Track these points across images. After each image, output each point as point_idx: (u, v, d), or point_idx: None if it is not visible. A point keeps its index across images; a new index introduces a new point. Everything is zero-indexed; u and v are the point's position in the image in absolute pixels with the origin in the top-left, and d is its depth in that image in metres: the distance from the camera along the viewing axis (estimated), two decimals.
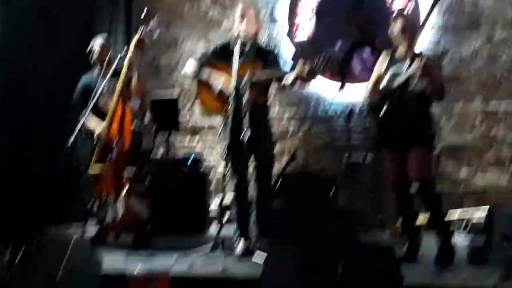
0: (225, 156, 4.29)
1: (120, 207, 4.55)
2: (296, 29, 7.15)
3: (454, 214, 5.59)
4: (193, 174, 6.07)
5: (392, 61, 4.56)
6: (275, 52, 4.79)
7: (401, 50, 4.53)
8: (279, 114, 7.02)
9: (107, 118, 4.70)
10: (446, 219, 4.52)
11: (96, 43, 5.15)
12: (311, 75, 4.32)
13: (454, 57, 6.49)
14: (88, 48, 5.17)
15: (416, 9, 6.61)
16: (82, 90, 5.10)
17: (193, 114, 7.41)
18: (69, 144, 4.29)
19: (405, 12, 6.28)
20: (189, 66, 4.63)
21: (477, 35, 6.55)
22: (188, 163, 6.11)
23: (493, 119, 6.47)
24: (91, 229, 4.85)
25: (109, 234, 4.76)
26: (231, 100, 4.12)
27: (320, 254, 3.24)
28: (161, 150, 6.70)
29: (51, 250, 3.38)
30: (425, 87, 4.32)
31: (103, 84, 4.80)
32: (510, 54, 6.43)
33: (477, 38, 6.55)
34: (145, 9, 4.99)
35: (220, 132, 4.49)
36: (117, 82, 4.75)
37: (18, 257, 3.35)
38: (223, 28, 7.40)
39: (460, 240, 4.75)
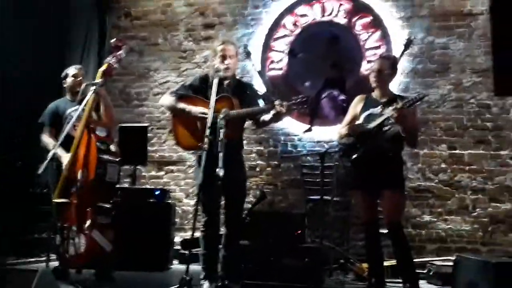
0: (197, 192, 4.13)
1: (83, 240, 4.32)
2: (270, 64, 7.12)
3: (421, 261, 5.50)
4: (159, 206, 5.90)
5: (367, 103, 4.52)
6: (253, 87, 4.69)
7: (376, 92, 4.50)
8: (247, 150, 6.90)
9: (73, 147, 4.50)
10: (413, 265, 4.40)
11: (69, 72, 5.08)
12: (287, 115, 4.23)
13: (422, 101, 6.46)
14: (62, 76, 5.10)
15: (389, 50, 6.67)
16: (50, 112, 5.04)
17: (162, 145, 7.26)
18: (39, 172, 4.06)
19: (383, 55, 6.25)
20: (166, 97, 4.50)
21: (445, 80, 6.61)
22: (155, 195, 5.94)
23: (458, 164, 6.48)
24: (53, 261, 4.60)
25: (71, 267, 4.51)
26: (206, 135, 3.96)
27: None
28: (127, 181, 6.52)
29: (15, 282, 3.17)
30: (399, 130, 4.28)
31: (71, 110, 4.65)
32: (478, 100, 6.48)
33: (445, 83, 6.61)
34: (115, 38, 4.93)
35: (197, 164, 4.33)
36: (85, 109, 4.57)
37: None
38: (196, 60, 7.34)
39: None
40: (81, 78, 5.03)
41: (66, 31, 6.97)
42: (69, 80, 5.05)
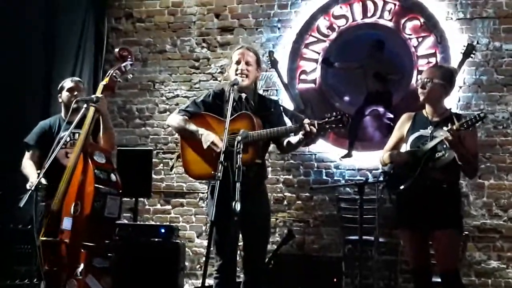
0: (209, 231, 4.20)
1: (74, 287, 4.42)
2: (300, 75, 7.24)
3: None
4: (165, 246, 5.99)
5: (416, 122, 4.57)
6: (278, 104, 4.77)
7: (428, 109, 4.54)
8: (273, 179, 7.03)
9: (65, 176, 4.61)
10: None
11: (65, 85, 5.17)
12: (319, 136, 4.28)
13: (487, 120, 6.51)
14: (58, 89, 5.21)
15: (446, 58, 6.74)
16: (40, 131, 5.13)
17: (169, 173, 7.37)
18: (21, 205, 4.18)
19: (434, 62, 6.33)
20: (174, 116, 4.59)
21: None
22: (160, 232, 6.04)
23: None
24: None
25: None
26: (220, 161, 4.02)
27: None
28: (127, 215, 6.63)
29: None
30: (454, 157, 4.31)
31: (65, 132, 4.74)
32: None
33: None
34: (119, 47, 5.05)
35: (210, 196, 4.41)
36: (81, 132, 4.68)
37: None
38: (211, 70, 7.49)
39: None
40: (78, 93, 5.09)
41: (55, 36, 7.11)
42: (65, 95, 5.13)
